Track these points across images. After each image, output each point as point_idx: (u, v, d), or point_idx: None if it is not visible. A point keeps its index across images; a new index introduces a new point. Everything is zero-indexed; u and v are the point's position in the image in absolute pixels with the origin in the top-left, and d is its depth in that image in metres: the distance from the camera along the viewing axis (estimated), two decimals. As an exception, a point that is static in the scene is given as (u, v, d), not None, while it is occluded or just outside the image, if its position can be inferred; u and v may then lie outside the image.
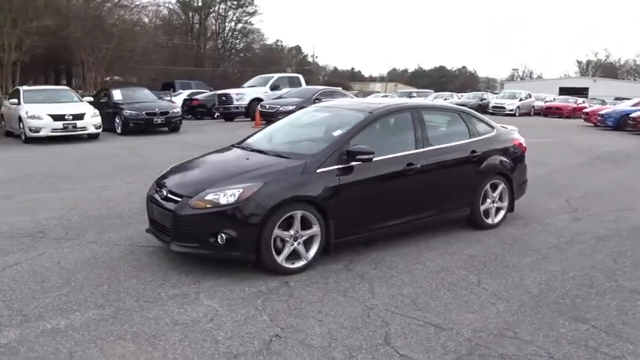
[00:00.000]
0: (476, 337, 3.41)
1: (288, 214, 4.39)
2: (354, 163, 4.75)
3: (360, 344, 3.31)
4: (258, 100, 19.88)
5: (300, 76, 22.42)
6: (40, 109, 13.49)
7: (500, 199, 5.99)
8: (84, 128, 13.69)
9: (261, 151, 5.15)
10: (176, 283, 4.28)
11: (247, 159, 4.99)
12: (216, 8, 55.73)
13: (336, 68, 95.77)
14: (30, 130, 13.25)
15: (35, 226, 5.84)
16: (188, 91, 25.29)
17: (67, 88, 16.25)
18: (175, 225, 4.44)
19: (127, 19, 22.76)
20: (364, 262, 4.80)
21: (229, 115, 20.56)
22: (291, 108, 17.86)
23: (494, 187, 5.90)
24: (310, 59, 74.89)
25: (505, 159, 5.97)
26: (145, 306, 3.82)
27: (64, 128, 13.41)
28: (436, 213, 5.45)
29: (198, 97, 23.21)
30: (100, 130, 14.17)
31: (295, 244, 4.48)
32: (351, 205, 4.75)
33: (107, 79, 23.58)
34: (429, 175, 5.28)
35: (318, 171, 4.60)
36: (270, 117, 18.79)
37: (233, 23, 57.63)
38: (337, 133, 5.03)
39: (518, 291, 4.20)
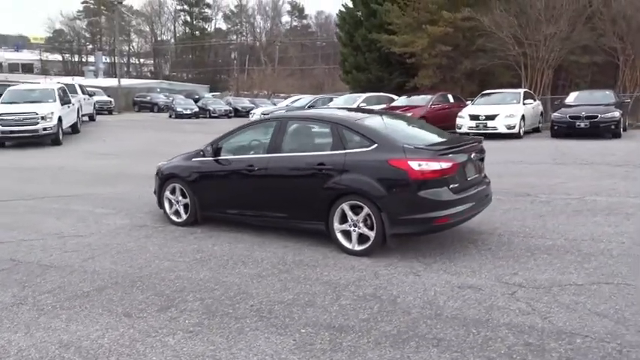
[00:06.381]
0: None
1: (171, 185, 6.78)
2: (219, 158, 6.37)
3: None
4: None
5: None
6: (473, 109, 16.01)
7: (371, 226, 5.26)
8: (494, 128, 15.14)
9: None
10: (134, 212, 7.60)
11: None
12: None
13: None
14: (457, 126, 16.13)
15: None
16: None
17: (516, 90, 17.31)
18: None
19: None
20: (214, 236, 6.32)
21: None
22: None
23: (356, 209, 5.32)
24: None
25: (370, 180, 5.14)
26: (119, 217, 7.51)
27: (476, 127, 15.39)
28: (284, 217, 5.85)
29: None
30: (512, 131, 15.14)
31: (177, 205, 6.78)
32: (206, 189, 6.44)
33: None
34: (269, 180, 5.86)
35: (192, 159, 6.62)
36: None
37: None
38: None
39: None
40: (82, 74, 65.51)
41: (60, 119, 16.29)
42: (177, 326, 3.86)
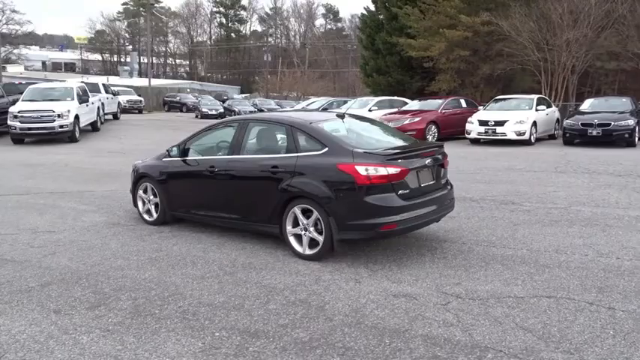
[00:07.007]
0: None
1: (144, 184, 6.88)
2: (186, 158, 6.44)
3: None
4: None
5: None
6: (483, 115, 15.72)
7: (320, 230, 5.22)
8: (503, 134, 14.79)
9: None
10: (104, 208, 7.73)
11: None
12: None
13: None
14: (466, 132, 15.84)
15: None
16: None
17: (530, 96, 16.68)
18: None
19: None
20: (178, 236, 6.42)
21: None
22: None
23: (307, 213, 5.29)
24: None
25: (319, 184, 5.09)
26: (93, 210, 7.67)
27: (485, 133, 15.07)
28: (240, 218, 5.87)
29: None
30: (522, 137, 14.75)
31: (149, 205, 6.88)
32: (173, 189, 6.51)
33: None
34: (228, 182, 5.89)
35: (163, 159, 6.71)
36: None
37: None
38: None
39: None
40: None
41: (77, 117, 16.75)
42: (98, 324, 3.91)
